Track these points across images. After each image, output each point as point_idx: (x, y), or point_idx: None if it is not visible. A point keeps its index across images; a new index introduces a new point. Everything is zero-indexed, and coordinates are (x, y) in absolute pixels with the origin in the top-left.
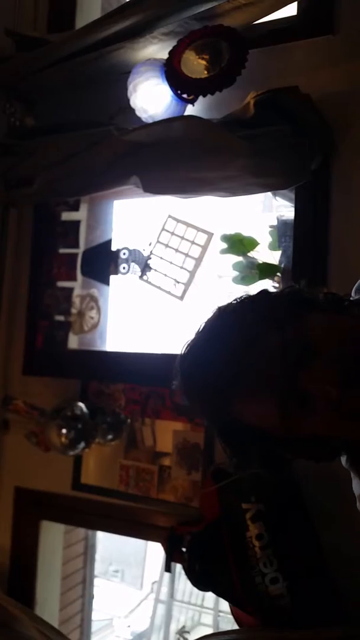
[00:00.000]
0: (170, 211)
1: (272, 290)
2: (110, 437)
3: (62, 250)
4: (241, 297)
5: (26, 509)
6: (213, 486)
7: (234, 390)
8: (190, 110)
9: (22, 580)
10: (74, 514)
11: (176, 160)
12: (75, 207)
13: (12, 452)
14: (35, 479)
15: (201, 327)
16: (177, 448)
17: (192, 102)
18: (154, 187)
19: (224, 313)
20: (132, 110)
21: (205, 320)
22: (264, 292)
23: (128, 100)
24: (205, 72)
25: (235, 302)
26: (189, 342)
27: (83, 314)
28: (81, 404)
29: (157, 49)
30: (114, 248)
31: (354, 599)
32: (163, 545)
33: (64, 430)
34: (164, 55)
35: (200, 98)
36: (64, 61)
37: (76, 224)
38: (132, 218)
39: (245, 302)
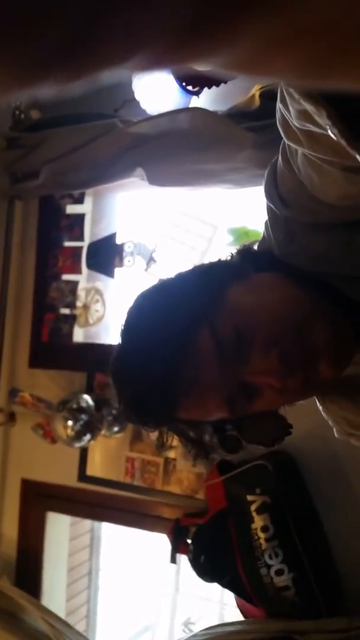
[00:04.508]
0: (176, 204)
1: (186, 270)
2: (115, 429)
3: (67, 244)
4: (157, 287)
5: (32, 501)
6: (218, 478)
7: (176, 399)
8: (195, 102)
9: (29, 571)
10: (80, 505)
11: (182, 152)
12: (80, 200)
13: (19, 444)
14: (41, 471)
15: (126, 329)
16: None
17: (197, 93)
18: (159, 179)
19: (144, 312)
20: (137, 103)
21: (128, 320)
22: (181, 279)
23: (133, 93)
24: None
25: (152, 294)
26: (117, 348)
27: (88, 307)
28: (87, 396)
29: None
30: (119, 241)
31: (357, 589)
32: (168, 536)
33: (69, 423)
34: None
35: (206, 90)
36: None
37: (81, 217)
38: (137, 211)
39: (164, 295)
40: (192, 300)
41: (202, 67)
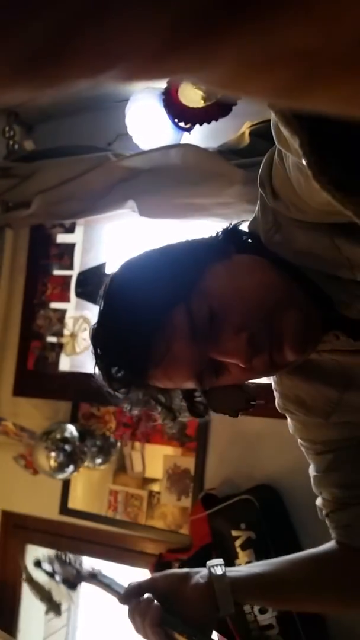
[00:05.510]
0: (165, 235)
1: (170, 245)
2: (99, 461)
3: (56, 272)
4: (141, 259)
5: (12, 533)
6: (203, 512)
7: (146, 370)
8: (187, 138)
9: (5, 606)
10: (61, 539)
11: (172, 187)
12: (71, 230)
13: (0, 475)
14: (22, 503)
15: (107, 297)
16: (167, 473)
17: (189, 130)
18: (150, 211)
19: (126, 283)
20: (130, 137)
21: (109, 289)
22: (164, 254)
23: (126, 127)
24: (203, 101)
25: (136, 266)
26: (98, 314)
27: (75, 335)
28: (71, 427)
29: None
30: (108, 271)
31: (340, 628)
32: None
33: (52, 454)
34: (163, 83)
35: (197, 126)
36: None
37: (71, 246)
38: (127, 241)
39: (146, 269)
40: (171, 277)
41: (185, 80)
